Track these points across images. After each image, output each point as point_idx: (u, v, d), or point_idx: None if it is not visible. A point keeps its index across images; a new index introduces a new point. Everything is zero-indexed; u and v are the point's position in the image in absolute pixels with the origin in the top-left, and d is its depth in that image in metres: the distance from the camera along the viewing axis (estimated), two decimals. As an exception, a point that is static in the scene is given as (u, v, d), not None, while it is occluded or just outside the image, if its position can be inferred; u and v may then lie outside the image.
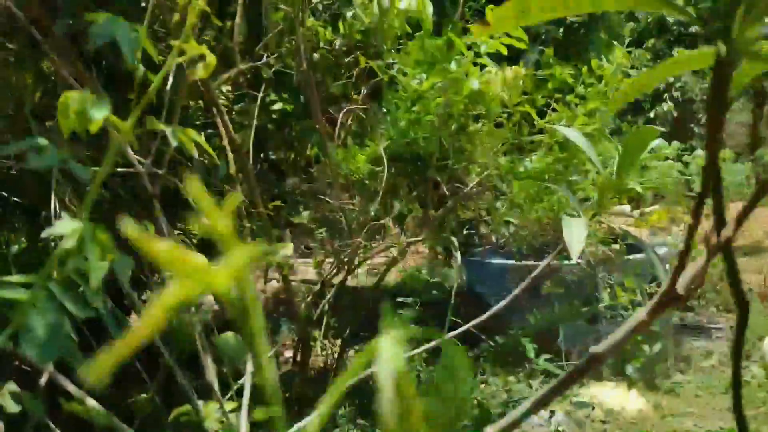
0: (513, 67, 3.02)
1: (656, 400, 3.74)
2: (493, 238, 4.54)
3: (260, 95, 2.16)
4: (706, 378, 4.17)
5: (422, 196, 2.11)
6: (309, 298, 2.22)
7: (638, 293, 3.67)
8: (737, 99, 14.73)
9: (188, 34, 0.55)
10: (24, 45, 1.73)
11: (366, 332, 4.86)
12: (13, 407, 0.81)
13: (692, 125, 12.82)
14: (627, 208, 12.12)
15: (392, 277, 4.89)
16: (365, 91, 2.15)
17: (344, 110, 2.10)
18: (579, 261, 4.18)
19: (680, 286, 0.40)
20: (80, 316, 0.50)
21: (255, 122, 2.97)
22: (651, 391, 3.97)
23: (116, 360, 0.17)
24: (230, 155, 1.86)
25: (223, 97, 3.00)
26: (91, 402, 0.86)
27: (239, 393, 0.99)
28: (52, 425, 0.92)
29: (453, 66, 1.80)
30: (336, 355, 2.97)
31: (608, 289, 3.67)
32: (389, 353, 0.21)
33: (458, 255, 3.04)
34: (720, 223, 0.36)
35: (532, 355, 2.56)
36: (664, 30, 13.49)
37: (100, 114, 0.51)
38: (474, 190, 2.09)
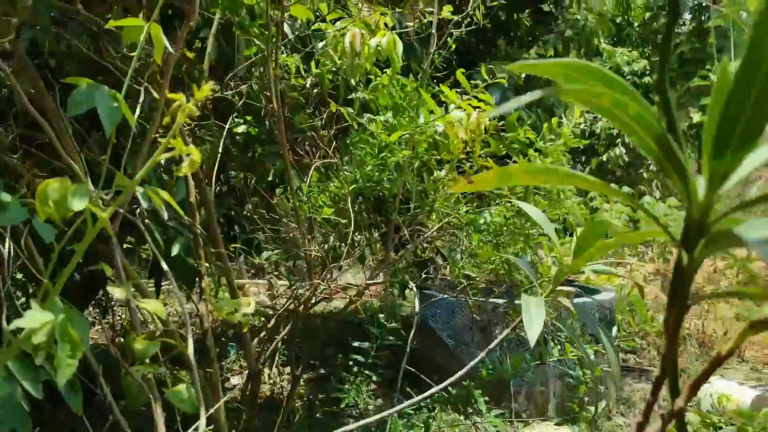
0: (477, 111, 3.12)
1: (598, 442, 3.83)
2: (448, 275, 4.61)
3: (227, 126, 2.14)
4: (646, 421, 4.30)
5: (384, 237, 2.13)
6: (261, 333, 2.19)
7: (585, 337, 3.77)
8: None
9: (176, 133, 0.55)
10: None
11: (319, 359, 4.81)
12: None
13: (641, 171, 13.39)
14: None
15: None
16: (333, 131, 2.17)
17: (312, 149, 2.11)
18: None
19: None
20: (36, 395, 0.49)
21: (221, 147, 2.95)
22: (595, 429, 4.06)
23: None
24: (190, 182, 1.84)
25: (187, 119, 2.97)
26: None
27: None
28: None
29: (421, 119, 1.84)
30: (289, 384, 2.92)
31: (557, 333, 3.76)
32: None
33: (415, 295, 3.06)
34: (674, 394, 0.39)
35: (483, 408, 2.59)
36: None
37: (80, 204, 0.50)
38: (434, 233, 2.12)
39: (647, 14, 13.89)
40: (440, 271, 5.62)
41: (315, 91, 2.29)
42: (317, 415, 3.84)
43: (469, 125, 2.95)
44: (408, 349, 2.56)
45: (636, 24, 14.37)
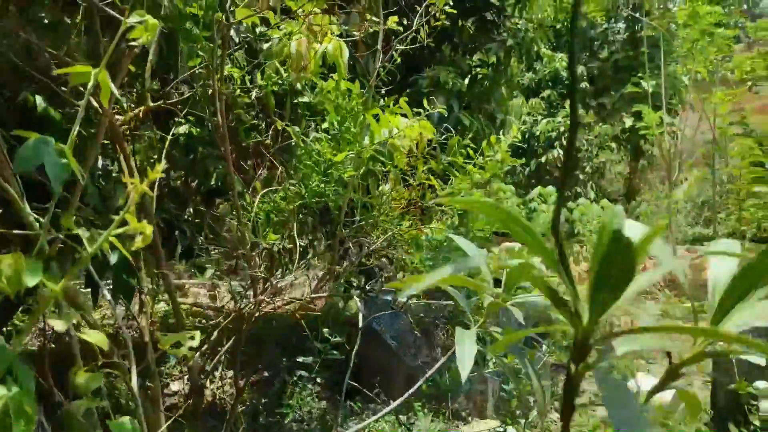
0: (421, 121, 3.20)
1: (533, 438, 4.00)
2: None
3: (169, 134, 2.11)
4: (576, 417, 4.53)
5: (329, 248, 2.16)
6: (203, 347, 2.17)
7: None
8: (618, 151, 16.03)
9: (131, 211, 0.57)
10: None
11: (264, 363, 4.78)
12: None
13: (577, 172, 13.95)
14: (517, 245, 12.87)
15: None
16: (278, 145, 2.17)
17: (258, 160, 2.11)
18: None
19: None
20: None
21: (164, 153, 2.89)
22: (529, 429, 4.24)
23: None
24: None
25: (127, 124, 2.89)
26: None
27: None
28: None
29: (366, 141, 1.89)
30: (232, 388, 2.90)
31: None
32: None
33: (360, 301, 3.10)
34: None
35: (422, 420, 2.66)
36: (557, 82, 14.64)
37: (33, 280, 0.51)
38: (379, 245, 2.17)
39: (584, 23, 14.43)
40: (386, 274, 5.70)
41: (259, 102, 2.28)
42: (260, 419, 3.83)
43: (411, 142, 3.03)
44: (352, 355, 2.60)
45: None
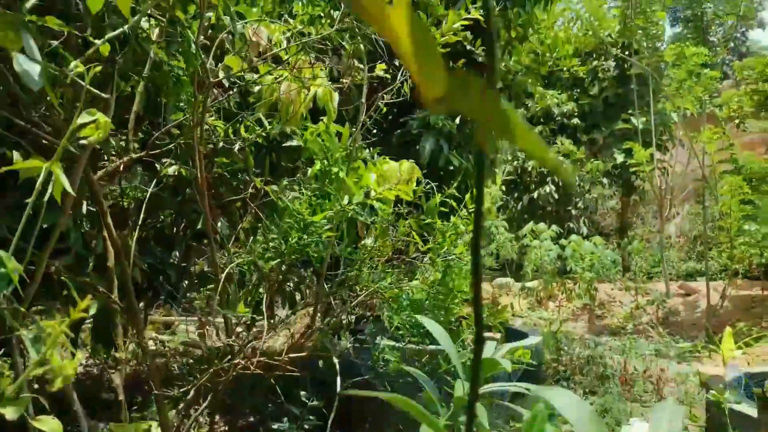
0: (409, 161, 3.20)
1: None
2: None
3: (150, 189, 2.09)
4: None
5: (313, 302, 2.13)
6: (179, 405, 2.11)
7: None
8: (610, 187, 16.14)
9: (51, 351, 0.54)
10: None
11: (247, 406, 4.67)
12: None
13: (570, 208, 14.02)
14: (510, 281, 12.84)
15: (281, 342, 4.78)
16: (258, 201, 2.16)
17: (240, 212, 2.09)
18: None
19: None
20: None
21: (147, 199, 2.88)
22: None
23: None
24: (111, 256, 1.78)
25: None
26: None
27: None
28: None
29: (345, 201, 1.88)
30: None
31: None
32: None
33: (345, 342, 3.05)
34: None
35: None
36: (549, 119, 14.83)
37: None
38: (362, 298, 2.14)
39: (576, 59, 14.70)
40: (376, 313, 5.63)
41: (243, 152, 2.28)
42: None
43: (401, 171, 3.04)
44: (335, 403, 2.54)
45: (565, 68, 15.17)
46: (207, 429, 3.23)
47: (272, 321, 2.20)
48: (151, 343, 6.50)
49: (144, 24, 1.93)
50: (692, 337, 9.29)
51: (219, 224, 3.53)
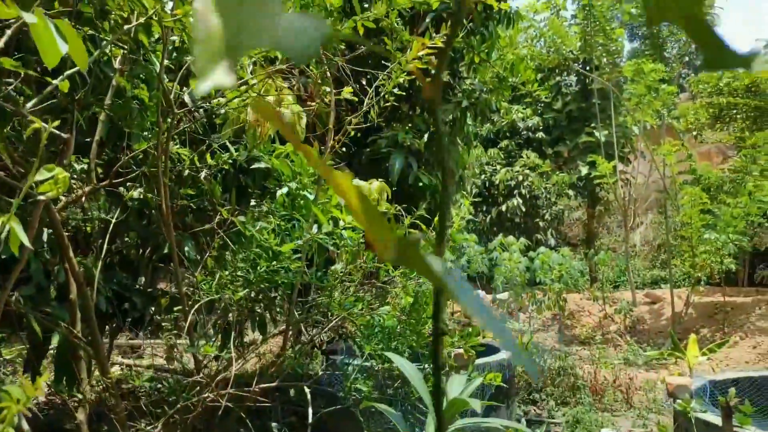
0: (379, 181, 3.21)
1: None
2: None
3: (115, 216, 2.05)
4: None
5: (284, 325, 2.11)
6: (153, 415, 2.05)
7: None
8: (576, 198, 16.44)
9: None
10: None
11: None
12: None
13: (537, 220, 14.25)
14: (481, 293, 12.94)
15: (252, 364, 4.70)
16: (224, 230, 2.14)
17: (207, 239, 2.06)
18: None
19: None
20: None
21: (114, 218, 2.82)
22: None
23: None
24: (73, 289, 1.74)
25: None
26: None
27: None
28: None
29: (314, 230, 1.87)
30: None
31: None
32: None
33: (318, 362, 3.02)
34: None
35: None
36: (515, 133, 15.10)
37: None
38: (334, 323, 2.13)
39: (539, 75, 15.02)
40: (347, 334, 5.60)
41: (210, 184, 2.26)
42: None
43: (371, 191, 3.05)
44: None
45: (528, 84, 15.47)
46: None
47: (241, 349, 2.17)
48: (116, 368, 6.35)
49: (106, 48, 1.90)
50: (659, 344, 9.49)
51: (186, 248, 3.48)
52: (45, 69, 1.86)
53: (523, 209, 13.98)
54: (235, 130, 3.27)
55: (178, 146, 2.22)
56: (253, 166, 3.57)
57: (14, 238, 0.78)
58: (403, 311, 2.00)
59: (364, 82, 4.53)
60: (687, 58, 18.27)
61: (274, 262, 1.89)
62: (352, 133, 2.63)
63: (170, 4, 2.50)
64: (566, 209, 15.62)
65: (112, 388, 1.84)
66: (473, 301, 0.27)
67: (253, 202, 3.59)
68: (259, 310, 2.90)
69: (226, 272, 2.19)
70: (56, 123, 0.88)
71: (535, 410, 6.31)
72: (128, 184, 2.95)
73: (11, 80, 1.07)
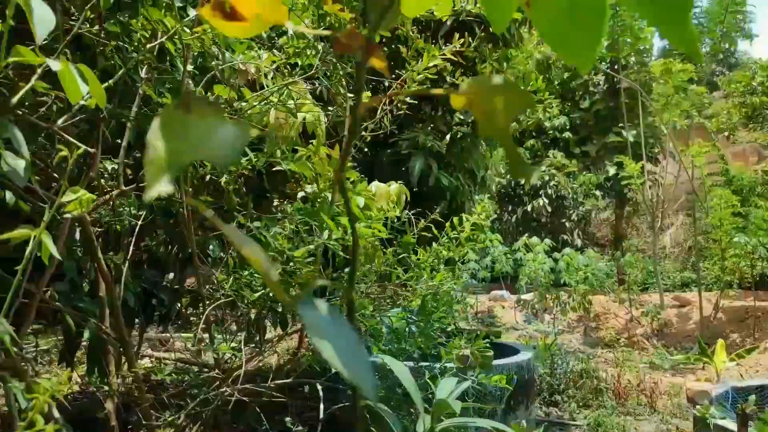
0: (398, 183, 3.28)
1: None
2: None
3: (143, 221, 2.16)
4: None
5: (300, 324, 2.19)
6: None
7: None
8: (603, 199, 16.19)
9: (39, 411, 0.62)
10: None
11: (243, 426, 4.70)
12: None
13: (564, 220, 14.12)
14: (506, 293, 12.90)
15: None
16: (244, 233, 2.24)
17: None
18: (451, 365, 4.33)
19: None
20: None
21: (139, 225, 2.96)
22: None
23: None
24: (102, 287, 1.85)
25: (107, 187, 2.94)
26: None
27: None
28: None
29: (325, 235, 1.95)
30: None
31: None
32: None
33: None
34: None
35: None
36: (541, 133, 14.99)
37: None
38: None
39: (566, 74, 14.88)
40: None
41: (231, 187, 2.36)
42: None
43: (389, 193, 3.13)
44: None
45: (556, 82, 15.36)
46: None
47: (260, 345, 2.26)
48: (146, 360, 6.58)
49: (131, 63, 2.01)
50: (686, 348, 9.34)
51: (211, 247, 3.61)
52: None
53: (549, 209, 13.87)
54: (257, 134, 3.38)
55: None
56: (274, 168, 3.68)
57: (45, 250, 0.87)
58: (412, 313, 2.07)
59: (387, 82, 4.60)
60: (720, 56, 17.85)
61: (290, 264, 1.98)
62: (369, 138, 2.70)
63: (192, 12, 2.62)
64: (593, 210, 15.43)
65: (137, 381, 1.96)
66: (323, 328, 0.32)
67: (276, 202, 3.70)
68: (279, 309, 3.00)
69: (246, 272, 2.28)
70: (80, 150, 0.97)
71: (556, 412, 6.30)
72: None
73: (46, 99, 1.18)
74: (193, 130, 0.28)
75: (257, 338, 2.30)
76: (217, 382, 2.12)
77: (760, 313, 9.52)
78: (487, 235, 11.88)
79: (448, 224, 2.46)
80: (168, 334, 8.67)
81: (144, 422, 1.78)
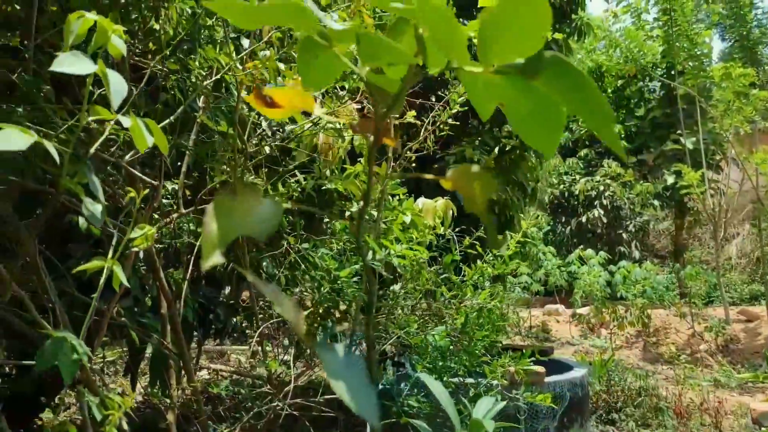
0: (446, 199, 3.33)
1: None
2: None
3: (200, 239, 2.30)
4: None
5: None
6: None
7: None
8: (662, 209, 15.64)
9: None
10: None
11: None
12: None
13: (620, 231, 13.72)
14: (560, 307, 12.62)
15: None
16: (295, 253, 2.35)
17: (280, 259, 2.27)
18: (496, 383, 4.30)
19: None
20: None
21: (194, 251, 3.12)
22: None
23: None
24: (164, 305, 1.99)
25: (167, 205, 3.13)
26: None
27: None
28: None
29: (369, 256, 2.02)
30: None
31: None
32: None
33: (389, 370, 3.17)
34: None
35: None
36: (594, 141, 14.66)
37: None
38: (391, 341, 2.26)
39: (619, 82, 14.54)
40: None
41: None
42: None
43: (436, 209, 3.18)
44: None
45: (609, 90, 15.02)
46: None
47: (311, 360, 2.35)
48: (204, 372, 6.83)
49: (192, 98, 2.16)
50: (754, 366, 8.87)
51: (264, 264, 3.76)
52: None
53: (605, 220, 13.51)
54: (308, 155, 3.51)
55: (253, 176, 2.45)
56: (323, 187, 3.80)
57: (116, 279, 0.98)
58: (456, 331, 2.10)
59: (433, 99, 4.67)
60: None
61: (337, 283, 2.06)
62: (414, 158, 2.77)
63: (246, 42, 2.77)
64: (652, 220, 14.92)
65: (196, 394, 2.07)
66: (335, 365, 0.38)
67: (326, 219, 3.81)
68: (330, 323, 3.10)
69: (297, 289, 2.38)
70: (145, 192, 1.09)
71: (613, 431, 6.12)
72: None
73: (115, 137, 1.31)
74: (238, 210, 0.35)
75: (308, 352, 2.39)
76: (269, 396, 2.22)
77: (837, 329, 8.93)
78: (539, 247, 11.69)
79: (485, 258, 2.49)
80: (225, 347, 8.98)
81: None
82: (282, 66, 1.95)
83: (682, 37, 11.10)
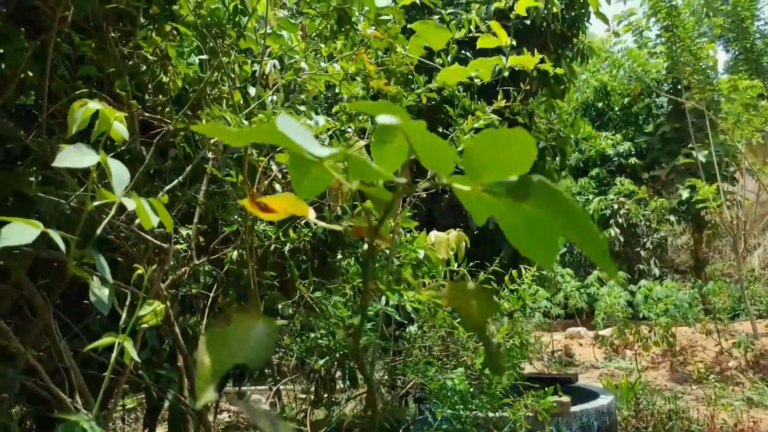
0: (458, 231, 3.31)
1: None
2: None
3: (215, 292, 2.30)
4: None
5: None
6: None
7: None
8: (679, 223, 15.44)
9: None
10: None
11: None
12: None
13: (638, 249, 13.54)
14: (582, 329, 12.40)
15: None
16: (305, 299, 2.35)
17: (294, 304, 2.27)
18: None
19: None
20: None
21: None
22: None
23: None
24: (180, 358, 1.98)
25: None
26: None
27: None
28: None
29: (382, 302, 2.01)
30: None
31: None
32: None
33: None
34: None
35: None
36: (606, 160, 14.60)
37: None
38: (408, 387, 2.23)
39: (626, 99, 14.55)
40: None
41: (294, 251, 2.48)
42: None
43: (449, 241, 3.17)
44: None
45: (617, 108, 15.02)
46: None
47: (329, 403, 2.32)
48: (225, 415, 6.78)
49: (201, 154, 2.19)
50: (788, 381, 8.59)
51: (279, 306, 3.75)
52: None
53: (622, 239, 13.36)
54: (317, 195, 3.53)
55: (264, 225, 2.47)
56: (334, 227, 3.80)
57: (127, 355, 0.99)
58: (475, 372, 2.07)
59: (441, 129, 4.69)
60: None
61: (351, 329, 2.05)
62: (424, 195, 2.77)
63: (252, 90, 2.81)
64: (669, 236, 14.72)
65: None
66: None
67: (339, 255, 3.81)
68: (348, 365, 3.07)
69: (312, 335, 2.37)
70: (153, 268, 1.10)
71: (645, 458, 5.93)
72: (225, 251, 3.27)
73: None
74: (232, 337, 0.35)
75: (326, 395, 2.36)
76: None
77: None
78: (557, 270, 11.55)
79: (507, 277, 2.46)
80: (244, 387, 8.91)
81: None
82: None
83: (685, 52, 11.12)
